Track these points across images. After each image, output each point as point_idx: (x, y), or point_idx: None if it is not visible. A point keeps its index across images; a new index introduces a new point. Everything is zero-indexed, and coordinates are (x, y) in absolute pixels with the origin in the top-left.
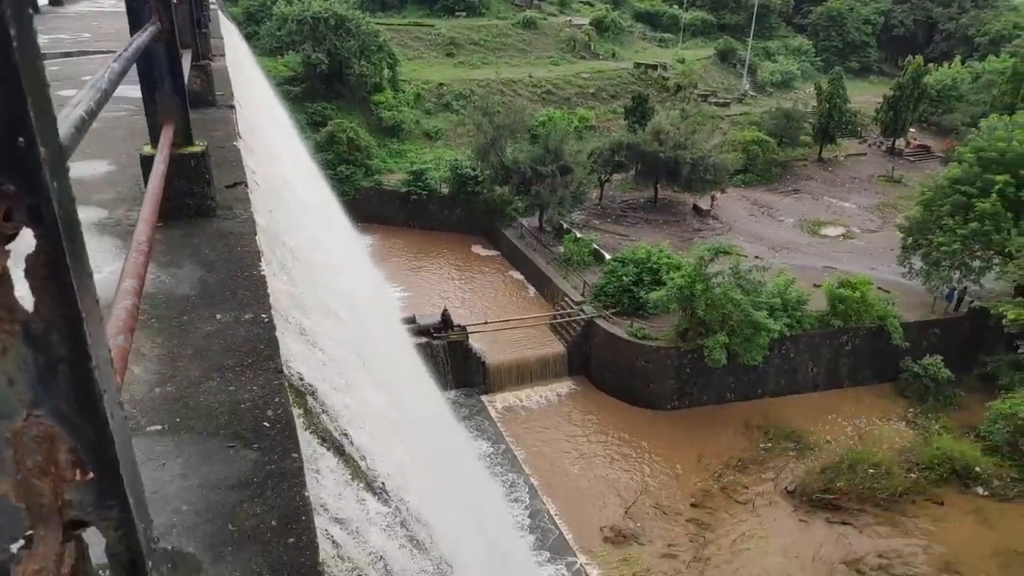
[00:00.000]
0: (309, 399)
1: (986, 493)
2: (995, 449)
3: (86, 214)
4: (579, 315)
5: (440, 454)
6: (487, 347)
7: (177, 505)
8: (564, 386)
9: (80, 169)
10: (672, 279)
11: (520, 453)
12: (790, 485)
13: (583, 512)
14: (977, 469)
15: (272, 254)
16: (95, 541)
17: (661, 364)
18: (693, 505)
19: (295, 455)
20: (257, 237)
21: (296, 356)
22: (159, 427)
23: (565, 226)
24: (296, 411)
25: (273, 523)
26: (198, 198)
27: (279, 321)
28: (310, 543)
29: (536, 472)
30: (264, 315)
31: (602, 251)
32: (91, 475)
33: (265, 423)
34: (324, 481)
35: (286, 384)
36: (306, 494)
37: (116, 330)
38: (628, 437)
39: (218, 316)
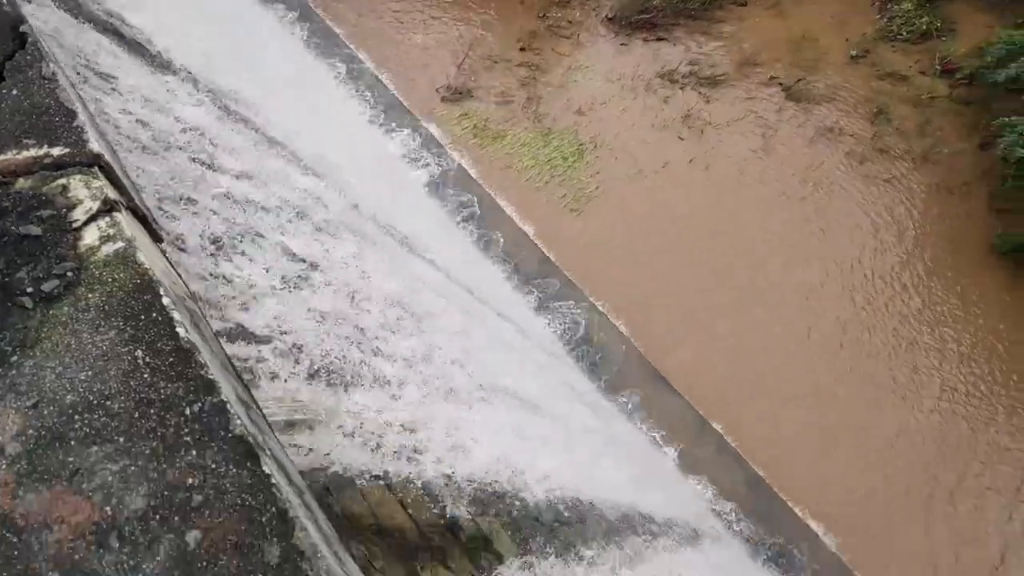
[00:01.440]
0: None
1: None
2: None
3: None
4: None
5: (244, 39)
6: None
7: None
8: None
9: None
10: None
11: (340, 29)
12: (610, 12)
13: (416, 78)
14: None
15: None
16: None
17: None
18: (522, 50)
19: None
20: None
21: None
22: None
23: None
24: None
25: None
26: None
27: None
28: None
29: (361, 47)
30: None
31: None
32: None
33: None
34: (105, 67)
35: None
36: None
37: None
38: None
39: None
